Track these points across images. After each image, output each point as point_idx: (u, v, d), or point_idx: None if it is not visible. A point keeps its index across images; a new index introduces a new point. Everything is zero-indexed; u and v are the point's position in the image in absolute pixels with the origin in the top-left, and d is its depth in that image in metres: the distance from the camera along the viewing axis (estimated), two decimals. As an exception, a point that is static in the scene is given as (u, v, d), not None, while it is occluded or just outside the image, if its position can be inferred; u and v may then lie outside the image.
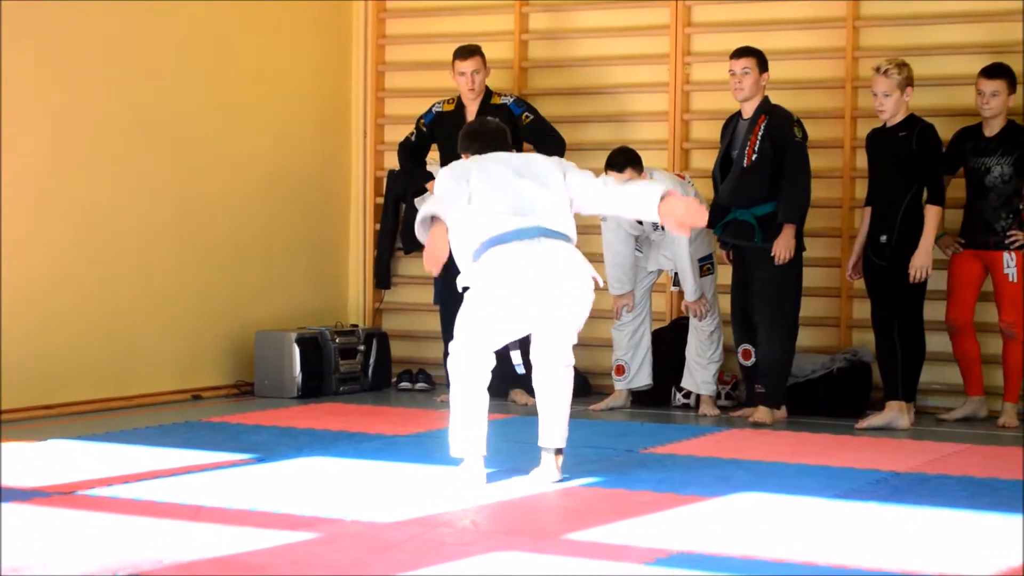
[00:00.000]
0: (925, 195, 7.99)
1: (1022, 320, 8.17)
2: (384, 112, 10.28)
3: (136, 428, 7.55)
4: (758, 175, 8.16)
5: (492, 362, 6.09)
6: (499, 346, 6.12)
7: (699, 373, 8.58)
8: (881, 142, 8.11)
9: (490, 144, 6.38)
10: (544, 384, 6.16)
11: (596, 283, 6.10)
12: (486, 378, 6.08)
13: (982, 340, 8.33)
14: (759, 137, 8.14)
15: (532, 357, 6.17)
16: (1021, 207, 8.22)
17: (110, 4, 8.47)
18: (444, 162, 9.04)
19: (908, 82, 7.96)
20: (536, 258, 5.98)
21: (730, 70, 8.27)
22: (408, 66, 10.22)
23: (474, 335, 6.04)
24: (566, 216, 6.15)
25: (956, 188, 8.40)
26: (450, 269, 9.07)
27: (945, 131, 8.40)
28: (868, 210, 8.17)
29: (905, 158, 7.95)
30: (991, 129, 8.17)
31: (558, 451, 6.11)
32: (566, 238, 6.11)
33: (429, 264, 6.06)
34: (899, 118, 8.01)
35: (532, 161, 6.34)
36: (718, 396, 8.75)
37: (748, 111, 8.25)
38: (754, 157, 8.14)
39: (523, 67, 9.80)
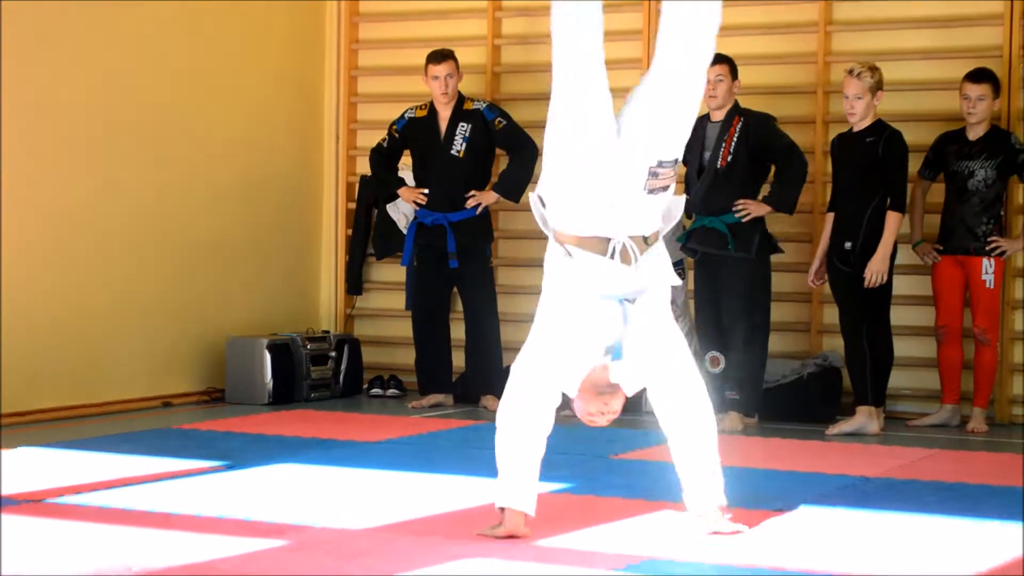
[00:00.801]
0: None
1: (996, 326, 8.22)
2: (357, 117, 10.27)
3: (106, 435, 7.53)
4: (732, 178, 8.17)
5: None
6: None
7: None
8: (848, 147, 8.13)
9: None
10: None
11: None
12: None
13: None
14: (734, 139, 8.16)
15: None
16: (1002, 212, 8.26)
17: (80, 6, 8.44)
18: (416, 168, 9.06)
19: (879, 86, 7.99)
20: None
21: (703, 77, 8.28)
22: (381, 71, 10.21)
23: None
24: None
25: (935, 193, 8.43)
26: (421, 273, 9.07)
27: (917, 136, 8.43)
28: (830, 216, 8.20)
29: (872, 163, 7.98)
30: (975, 133, 8.19)
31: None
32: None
33: None
34: (867, 122, 8.03)
35: None
36: (690, 401, 8.74)
37: (719, 116, 8.27)
38: (729, 158, 8.16)
39: (496, 72, 9.80)
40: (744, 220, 8.10)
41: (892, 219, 7.96)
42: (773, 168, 8.29)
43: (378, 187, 9.47)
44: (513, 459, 5.07)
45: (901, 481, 6.41)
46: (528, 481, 5.06)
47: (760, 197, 8.23)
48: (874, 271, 7.92)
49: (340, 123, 10.22)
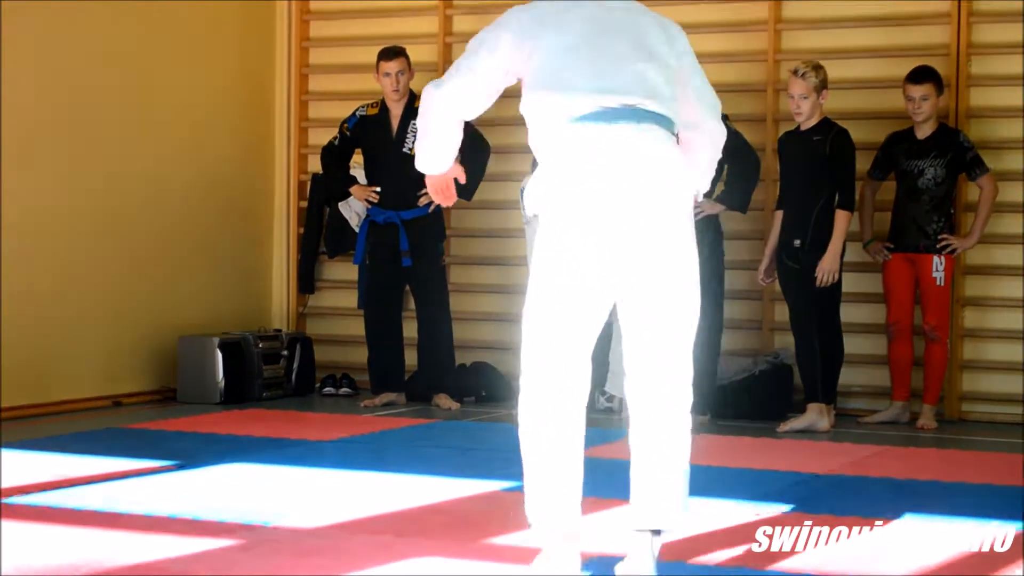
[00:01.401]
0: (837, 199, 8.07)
1: (946, 324, 8.28)
2: (308, 115, 10.25)
3: (57, 435, 7.48)
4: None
5: (580, 380, 4.58)
6: (589, 332, 4.57)
7: (623, 376, 8.59)
8: (795, 145, 8.17)
9: None
10: (647, 416, 4.75)
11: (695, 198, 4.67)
12: (573, 408, 4.58)
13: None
14: (685, 136, 8.19)
15: (629, 369, 4.77)
16: (952, 211, 8.32)
17: (29, 4, 8.38)
18: (367, 166, 9.05)
19: (824, 84, 8.02)
20: (625, 160, 4.41)
21: (653, 75, 8.30)
22: (332, 69, 10.20)
23: (547, 333, 4.43)
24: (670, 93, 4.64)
25: (886, 191, 8.48)
26: (374, 272, 9.04)
27: (866, 134, 8.48)
28: (779, 214, 8.24)
29: (819, 162, 8.01)
30: (923, 132, 8.24)
31: (655, 532, 4.47)
32: (668, 123, 4.60)
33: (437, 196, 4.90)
34: (814, 121, 8.07)
35: (631, 10, 4.64)
36: (642, 399, 8.77)
37: (670, 114, 8.29)
38: (680, 157, 8.19)
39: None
40: (697, 218, 8.12)
41: (841, 217, 8.00)
42: (726, 166, 8.32)
43: (330, 185, 9.45)
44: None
45: (851, 478, 6.44)
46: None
47: (713, 196, 8.25)
48: (825, 270, 7.96)
49: (291, 121, 10.19)
